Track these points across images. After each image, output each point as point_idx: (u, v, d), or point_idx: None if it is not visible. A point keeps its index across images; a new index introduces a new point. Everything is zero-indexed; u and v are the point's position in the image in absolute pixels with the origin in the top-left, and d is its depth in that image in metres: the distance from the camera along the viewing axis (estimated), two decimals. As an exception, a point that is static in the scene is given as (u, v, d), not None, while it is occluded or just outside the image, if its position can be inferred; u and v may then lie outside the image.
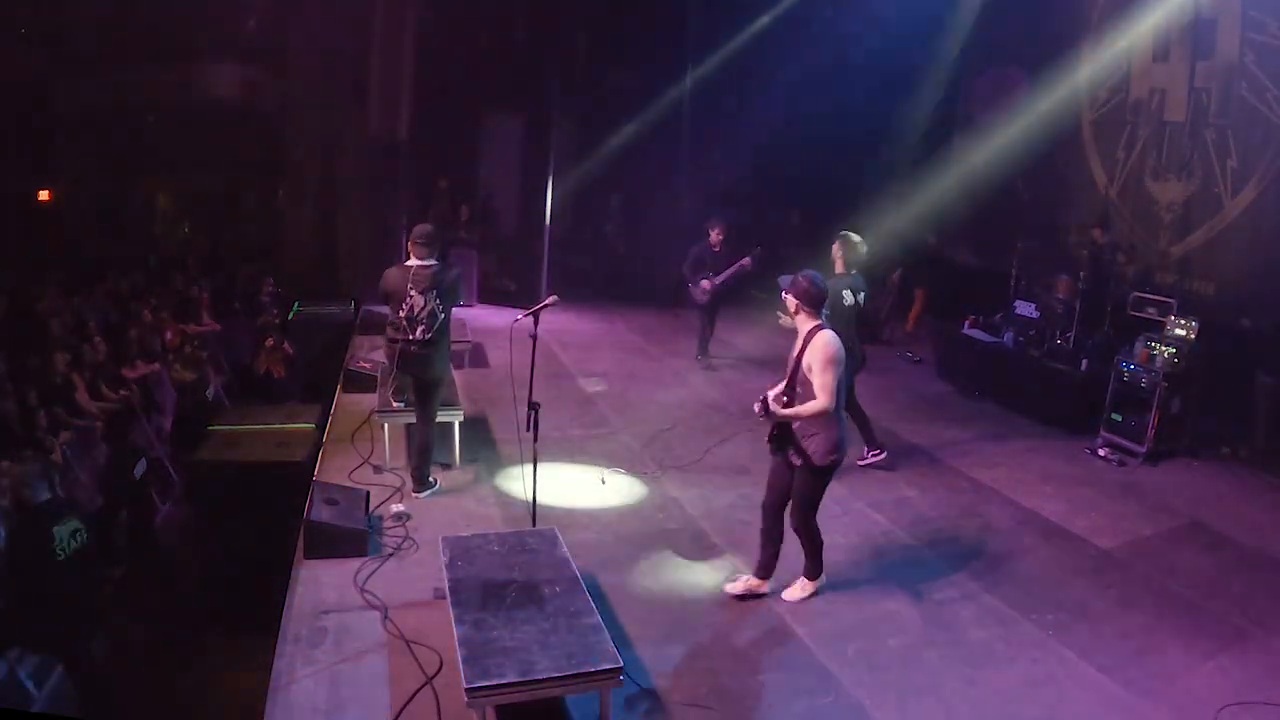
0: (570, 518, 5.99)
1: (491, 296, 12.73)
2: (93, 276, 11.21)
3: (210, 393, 9.93)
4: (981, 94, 12.54)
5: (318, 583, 5.07)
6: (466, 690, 3.61)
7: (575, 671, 3.75)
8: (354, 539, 5.36)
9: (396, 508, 5.91)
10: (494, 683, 3.64)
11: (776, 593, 5.16)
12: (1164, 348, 7.63)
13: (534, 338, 5.26)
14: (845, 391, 4.88)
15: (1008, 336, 9.30)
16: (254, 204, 15.12)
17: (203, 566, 6.47)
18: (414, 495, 6.25)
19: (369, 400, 7.53)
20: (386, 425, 6.68)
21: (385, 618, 4.75)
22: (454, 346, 6.98)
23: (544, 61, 12.04)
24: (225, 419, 7.12)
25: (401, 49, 11.63)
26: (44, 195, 13.39)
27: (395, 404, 6.56)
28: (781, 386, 4.82)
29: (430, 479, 6.36)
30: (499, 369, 9.32)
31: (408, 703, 4.10)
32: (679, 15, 13.10)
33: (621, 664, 3.84)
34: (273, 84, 13.36)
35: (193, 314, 10.81)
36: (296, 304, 11.36)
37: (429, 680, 4.24)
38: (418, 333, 6.00)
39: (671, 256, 11.85)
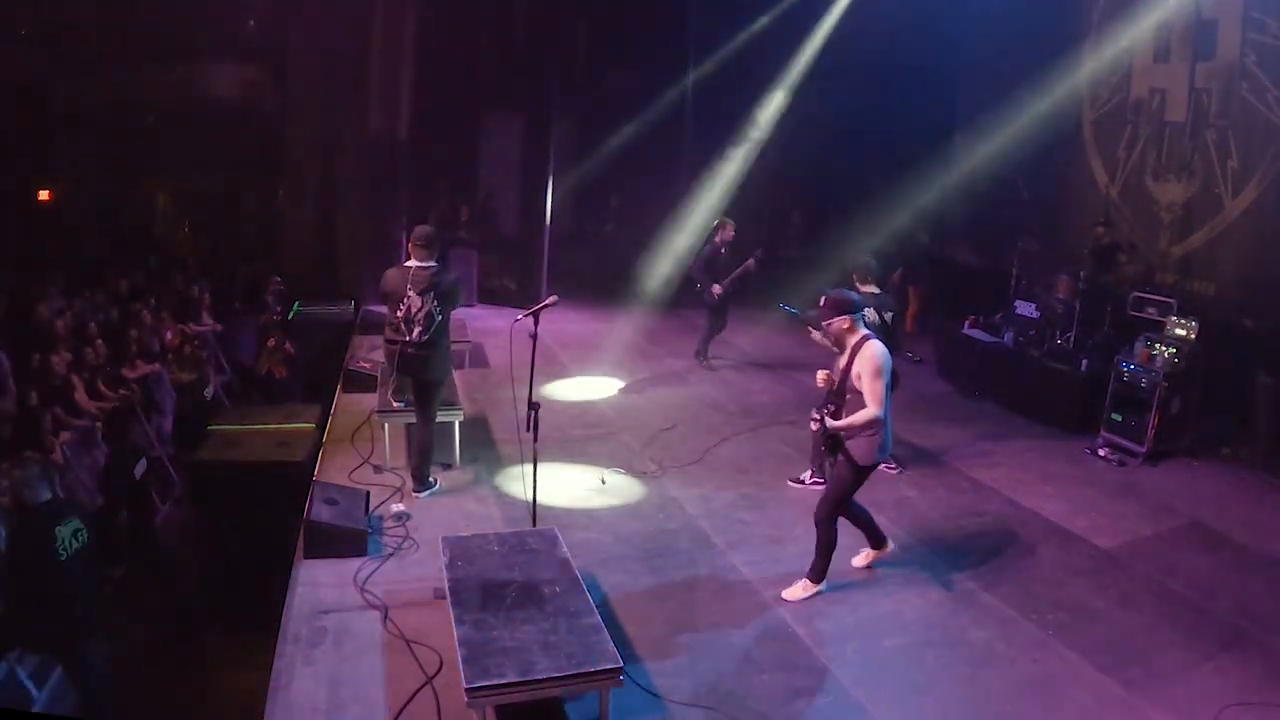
0: (570, 517, 5.99)
1: (491, 296, 12.74)
2: (93, 276, 11.20)
3: (210, 393, 9.93)
4: (981, 94, 12.53)
5: (317, 583, 5.07)
6: (466, 690, 3.62)
7: (575, 671, 3.75)
8: (354, 539, 5.37)
9: (396, 508, 5.91)
10: (494, 683, 3.64)
11: (782, 588, 5.17)
12: (1164, 348, 7.63)
13: (534, 338, 5.27)
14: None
15: (1008, 336, 9.31)
16: (254, 204, 15.10)
17: (203, 566, 6.47)
18: (414, 495, 6.25)
19: (369, 400, 7.53)
20: (386, 425, 6.68)
21: (385, 618, 4.75)
22: (454, 346, 6.99)
23: (544, 61, 12.04)
24: (225, 419, 7.12)
25: (401, 49, 11.63)
26: (44, 195, 13.38)
27: (395, 404, 6.57)
28: (827, 397, 4.99)
29: (430, 479, 6.36)
30: (499, 369, 9.32)
31: (408, 703, 4.10)
32: (679, 15, 13.10)
33: (621, 664, 3.85)
34: (273, 84, 13.35)
35: (193, 314, 10.80)
36: (297, 304, 11.37)
37: (429, 680, 4.25)
38: (414, 334, 6.00)
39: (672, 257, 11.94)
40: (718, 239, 9.64)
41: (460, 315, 9.38)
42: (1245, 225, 8.82)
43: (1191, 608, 5.27)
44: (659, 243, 13.01)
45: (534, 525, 5.23)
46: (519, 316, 5.30)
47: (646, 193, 13.86)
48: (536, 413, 5.15)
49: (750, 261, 9.58)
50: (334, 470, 6.55)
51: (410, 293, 5.97)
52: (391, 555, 5.41)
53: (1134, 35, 9.81)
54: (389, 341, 6.16)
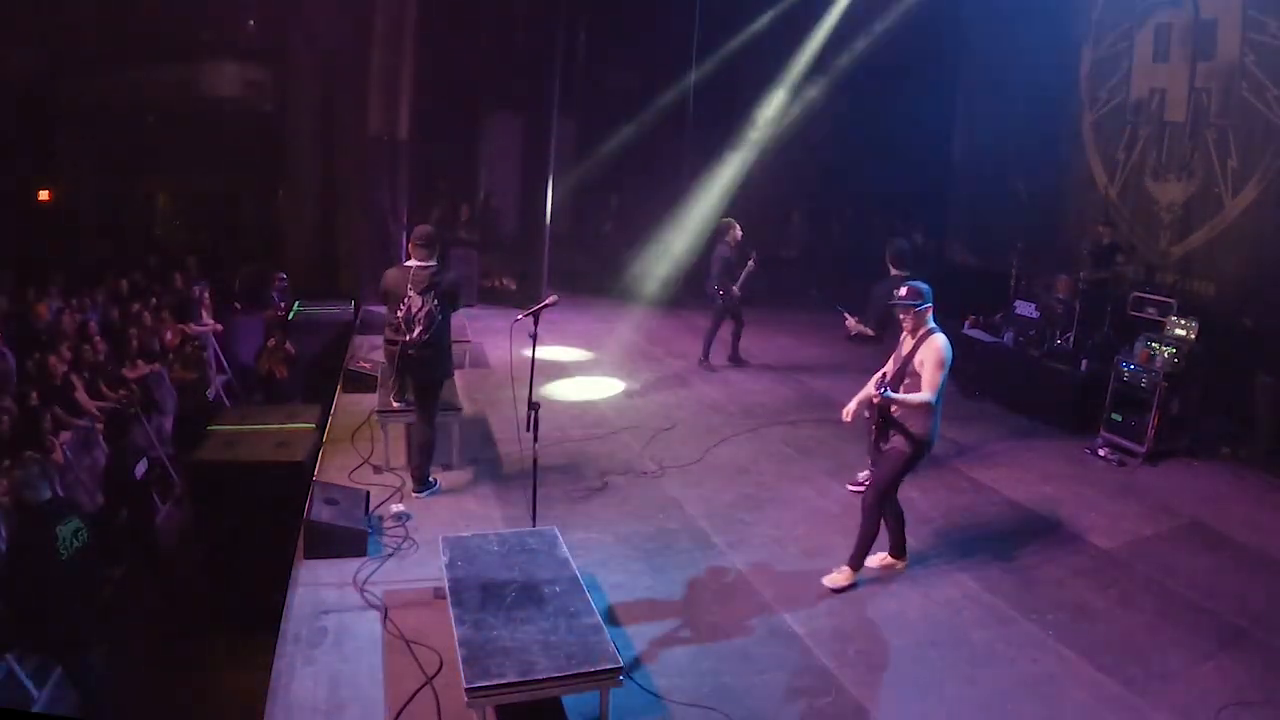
0: (570, 517, 5.99)
1: (491, 296, 12.74)
2: (93, 276, 11.21)
3: (211, 393, 9.93)
4: (982, 94, 12.55)
5: (318, 583, 5.07)
6: (466, 690, 3.62)
7: (575, 671, 3.75)
8: (354, 539, 5.36)
9: (396, 508, 5.90)
10: (494, 683, 3.64)
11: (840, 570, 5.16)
12: (1164, 348, 7.63)
13: (534, 337, 5.27)
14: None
15: (1008, 336, 9.31)
16: (254, 204, 15.10)
17: (203, 566, 6.46)
18: (414, 495, 6.25)
19: (369, 400, 7.53)
20: (387, 425, 6.68)
21: (385, 618, 4.75)
22: (454, 346, 6.99)
23: (544, 61, 12.03)
24: (225, 419, 7.11)
25: (401, 49, 11.62)
26: (44, 195, 13.37)
27: (395, 404, 6.56)
28: (886, 377, 5.16)
29: (430, 479, 6.36)
30: (499, 369, 9.33)
31: (408, 703, 4.10)
32: (679, 15, 13.10)
33: (621, 664, 3.85)
34: (273, 84, 13.35)
35: (193, 314, 10.80)
36: (297, 304, 11.37)
37: (429, 680, 4.24)
38: (415, 333, 5.99)
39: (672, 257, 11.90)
40: (729, 241, 9.66)
41: (460, 315, 9.39)
42: (1245, 225, 8.82)
43: (1191, 608, 5.27)
44: (659, 243, 13.01)
45: (534, 525, 5.23)
46: (519, 316, 5.30)
47: (646, 193, 13.87)
48: (536, 413, 5.15)
49: (752, 263, 9.68)
50: (334, 470, 6.55)
51: (411, 292, 5.97)
52: (391, 555, 5.41)
53: (1133, 35, 9.82)
54: (389, 342, 6.15)
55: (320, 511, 5.39)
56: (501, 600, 4.20)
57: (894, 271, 6.97)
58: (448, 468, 6.71)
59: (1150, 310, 8.38)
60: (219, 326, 10.92)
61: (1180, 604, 5.31)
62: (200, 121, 13.31)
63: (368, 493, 5.97)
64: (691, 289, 12.82)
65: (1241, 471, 7.52)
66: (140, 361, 9.33)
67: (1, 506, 6.17)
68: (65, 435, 7.64)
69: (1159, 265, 9.61)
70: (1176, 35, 9.50)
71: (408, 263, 6.15)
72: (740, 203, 12.68)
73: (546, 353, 9.53)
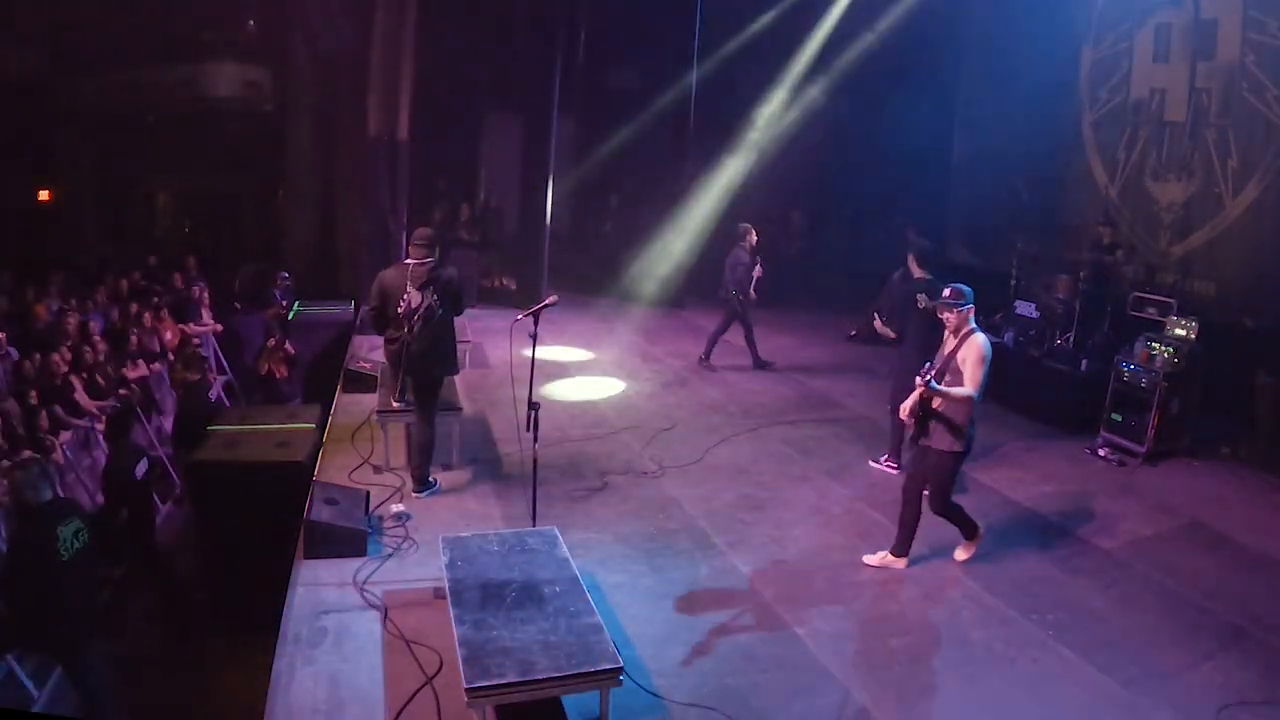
0: (570, 517, 5.99)
1: (491, 296, 12.74)
2: (93, 276, 11.21)
3: (211, 393, 9.92)
4: (981, 94, 12.54)
5: (318, 583, 5.07)
6: (466, 690, 3.62)
7: (575, 671, 3.75)
8: (354, 539, 5.36)
9: (396, 508, 5.90)
10: (494, 683, 3.64)
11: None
12: (1164, 348, 7.62)
13: (534, 337, 5.27)
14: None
15: (1008, 336, 9.30)
16: (254, 204, 15.11)
17: (203, 566, 6.46)
18: (414, 495, 6.25)
19: (369, 400, 7.53)
20: (387, 425, 6.68)
21: (385, 618, 4.75)
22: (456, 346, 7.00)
23: (544, 61, 12.03)
24: (225, 419, 7.11)
25: (401, 49, 11.62)
26: (44, 195, 13.38)
27: (396, 404, 6.56)
28: (931, 370, 5.32)
29: (430, 479, 6.36)
30: (499, 369, 9.33)
31: (408, 703, 4.10)
32: (679, 15, 13.09)
33: (621, 664, 3.85)
34: (273, 84, 13.36)
35: (193, 314, 10.80)
36: (297, 304, 11.36)
37: (429, 680, 4.24)
38: (415, 329, 5.99)
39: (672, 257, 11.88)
40: (746, 246, 9.67)
41: (460, 315, 9.40)
42: (1245, 225, 8.83)
43: (1191, 608, 5.27)
44: (659, 243, 13.01)
45: (534, 525, 5.23)
46: (519, 316, 5.30)
47: (646, 193, 13.87)
48: (536, 413, 5.15)
49: (759, 267, 9.74)
50: (334, 470, 6.55)
51: (410, 289, 5.97)
52: (391, 555, 5.41)
53: (1133, 35, 9.82)
54: (390, 340, 6.15)
55: (320, 511, 5.39)
56: (501, 600, 4.20)
57: (917, 273, 6.92)
58: (448, 468, 6.71)
59: (1150, 310, 8.38)
60: (219, 326, 10.92)
61: (1180, 604, 5.31)
62: (200, 121, 13.33)
63: (368, 493, 5.97)
64: (691, 289, 12.83)
65: (1241, 471, 7.52)
66: (140, 361, 9.33)
67: (2, 507, 6.17)
68: (65, 435, 7.64)
69: (1159, 265, 9.61)
70: (1177, 35, 9.50)
71: (405, 260, 6.15)
72: (740, 203, 12.68)
73: (546, 353, 9.58)
